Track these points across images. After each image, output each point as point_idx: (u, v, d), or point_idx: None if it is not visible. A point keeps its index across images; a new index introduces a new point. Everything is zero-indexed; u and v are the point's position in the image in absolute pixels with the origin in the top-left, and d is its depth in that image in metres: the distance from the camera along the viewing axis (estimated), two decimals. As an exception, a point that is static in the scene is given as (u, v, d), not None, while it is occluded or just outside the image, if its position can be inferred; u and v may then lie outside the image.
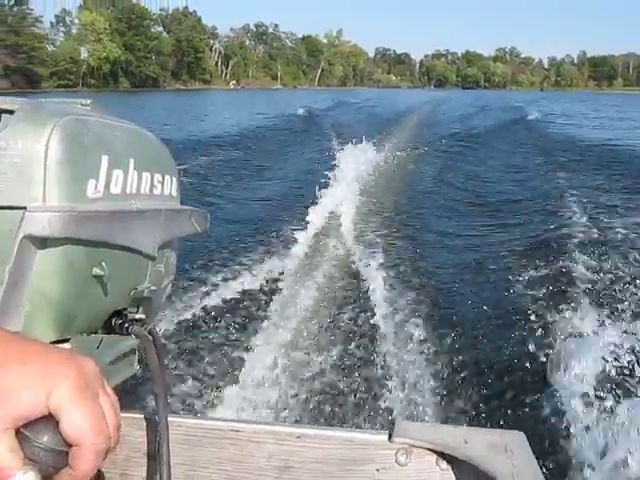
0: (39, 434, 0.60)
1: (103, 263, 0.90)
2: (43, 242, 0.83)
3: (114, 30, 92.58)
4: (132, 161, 0.96)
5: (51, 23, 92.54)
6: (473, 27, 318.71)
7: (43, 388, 0.59)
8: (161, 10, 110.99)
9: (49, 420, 0.60)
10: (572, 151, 16.61)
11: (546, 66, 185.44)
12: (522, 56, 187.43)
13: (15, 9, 77.57)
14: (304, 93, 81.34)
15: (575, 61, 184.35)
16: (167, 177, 1.06)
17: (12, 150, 0.82)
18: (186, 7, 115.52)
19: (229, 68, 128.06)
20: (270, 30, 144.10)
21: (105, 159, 0.90)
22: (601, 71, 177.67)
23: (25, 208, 0.82)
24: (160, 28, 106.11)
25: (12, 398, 0.58)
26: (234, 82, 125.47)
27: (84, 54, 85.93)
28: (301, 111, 29.33)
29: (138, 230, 0.97)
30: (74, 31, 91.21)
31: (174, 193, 1.08)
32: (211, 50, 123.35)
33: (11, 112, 0.85)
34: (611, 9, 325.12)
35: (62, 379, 0.60)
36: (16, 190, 0.82)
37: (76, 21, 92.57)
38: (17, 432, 0.59)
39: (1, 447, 0.58)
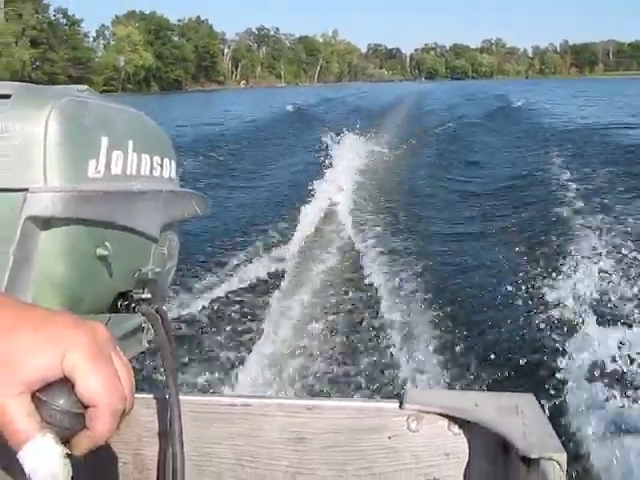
0: (55, 397, 0.60)
1: (107, 243, 0.90)
2: (46, 223, 0.83)
3: (146, 41, 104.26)
4: (131, 143, 0.95)
5: (93, 37, 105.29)
6: (460, 20, 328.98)
7: (56, 351, 0.59)
8: (179, 21, 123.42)
9: (64, 383, 0.60)
10: (556, 134, 16.79)
11: (530, 55, 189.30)
12: (507, 46, 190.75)
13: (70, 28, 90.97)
14: (305, 89, 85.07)
15: (558, 49, 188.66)
16: (166, 160, 1.06)
17: (12, 133, 0.82)
18: (198, 17, 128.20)
19: (238, 69, 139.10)
20: (271, 33, 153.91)
21: (105, 140, 0.90)
22: (582, 58, 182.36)
23: (27, 190, 0.82)
24: (181, 37, 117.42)
25: (25, 362, 0.58)
26: (244, 82, 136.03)
27: (121, 63, 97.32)
28: (290, 107, 30.49)
29: (139, 211, 0.97)
30: (112, 43, 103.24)
31: (173, 176, 1.09)
32: (222, 54, 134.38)
33: (8, 97, 0.85)
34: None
35: (75, 342, 0.60)
36: (17, 172, 0.82)
37: (113, 34, 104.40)
38: (33, 396, 0.59)
39: (18, 411, 0.58)
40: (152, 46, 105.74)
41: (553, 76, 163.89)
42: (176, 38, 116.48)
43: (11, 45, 72.53)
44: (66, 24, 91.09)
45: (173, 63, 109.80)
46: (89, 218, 0.87)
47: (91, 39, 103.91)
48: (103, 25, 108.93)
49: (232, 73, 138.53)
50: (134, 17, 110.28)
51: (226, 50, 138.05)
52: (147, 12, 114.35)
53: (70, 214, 0.84)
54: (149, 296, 1.01)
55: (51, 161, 0.83)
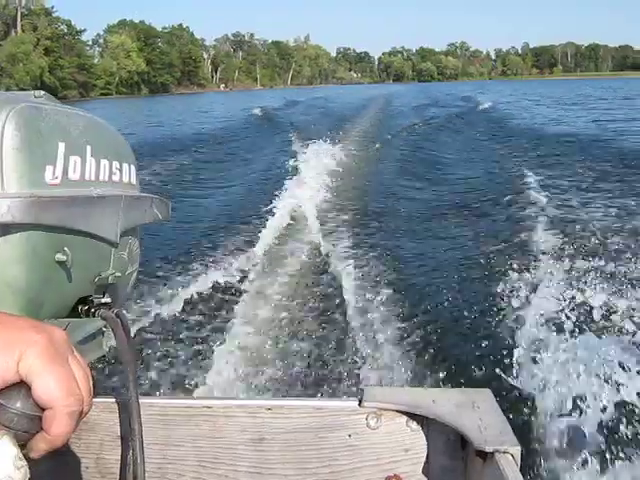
0: (11, 400, 0.60)
1: (66, 249, 0.89)
2: (4, 229, 0.82)
3: (138, 48, 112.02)
4: (89, 148, 0.95)
5: (89, 45, 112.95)
6: (426, 24, 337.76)
7: (12, 355, 0.59)
8: (164, 28, 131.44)
9: (20, 386, 0.60)
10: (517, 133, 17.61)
11: (493, 57, 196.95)
12: (471, 49, 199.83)
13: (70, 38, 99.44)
14: (279, 92, 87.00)
15: (519, 52, 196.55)
16: (125, 165, 1.05)
17: None
18: (180, 24, 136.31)
19: (218, 74, 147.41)
20: (246, 38, 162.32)
21: (62, 145, 0.89)
22: (543, 60, 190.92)
23: None
24: (166, 44, 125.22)
25: None
26: (223, 85, 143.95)
27: (114, 68, 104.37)
28: (258, 111, 30.57)
29: (99, 216, 0.96)
30: (107, 50, 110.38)
31: (133, 181, 1.08)
32: (203, 59, 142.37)
33: None
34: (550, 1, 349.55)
35: (31, 345, 0.60)
36: None
37: (107, 42, 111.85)
38: None
39: None
40: (142, 52, 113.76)
41: (515, 77, 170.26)
42: (162, 45, 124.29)
43: (30, 53, 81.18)
44: (70, 34, 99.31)
45: (162, 68, 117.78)
46: (47, 224, 0.85)
47: (87, 47, 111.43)
48: (98, 34, 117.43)
49: (212, 77, 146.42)
50: (125, 25, 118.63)
51: (206, 55, 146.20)
52: (137, 21, 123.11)
53: (28, 220, 0.82)
54: (109, 300, 1.00)
55: (8, 167, 0.81)
